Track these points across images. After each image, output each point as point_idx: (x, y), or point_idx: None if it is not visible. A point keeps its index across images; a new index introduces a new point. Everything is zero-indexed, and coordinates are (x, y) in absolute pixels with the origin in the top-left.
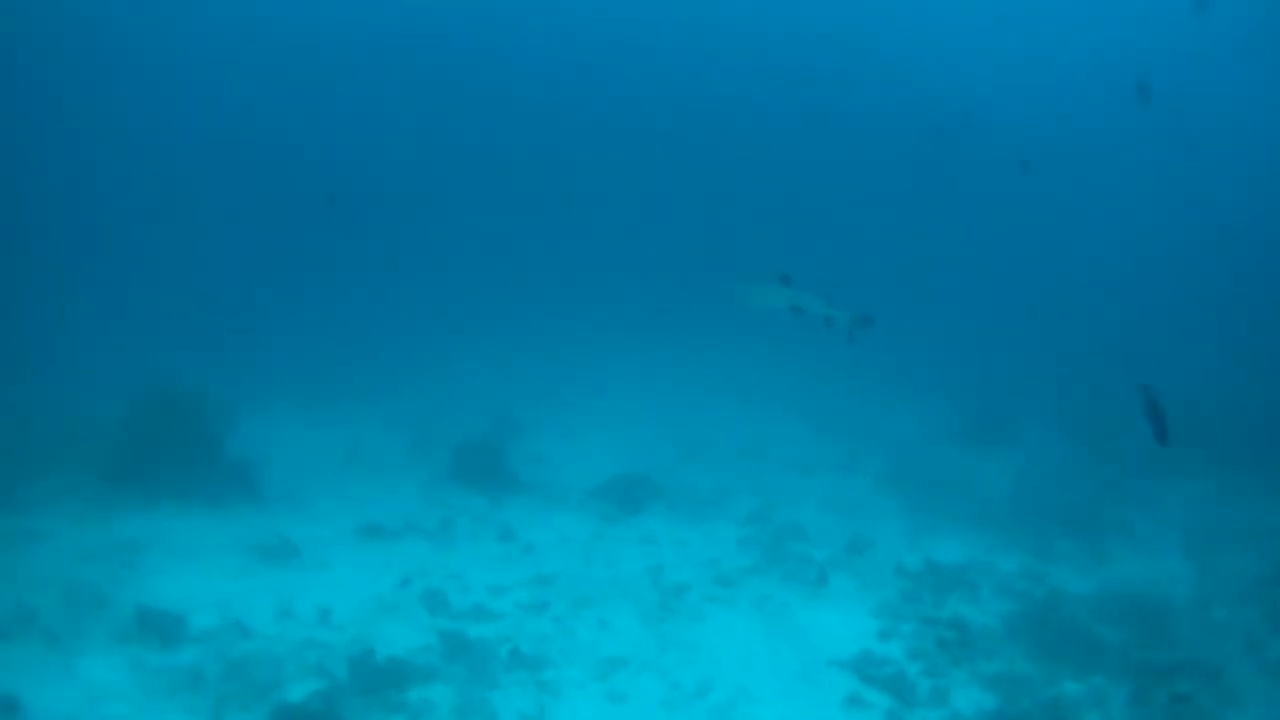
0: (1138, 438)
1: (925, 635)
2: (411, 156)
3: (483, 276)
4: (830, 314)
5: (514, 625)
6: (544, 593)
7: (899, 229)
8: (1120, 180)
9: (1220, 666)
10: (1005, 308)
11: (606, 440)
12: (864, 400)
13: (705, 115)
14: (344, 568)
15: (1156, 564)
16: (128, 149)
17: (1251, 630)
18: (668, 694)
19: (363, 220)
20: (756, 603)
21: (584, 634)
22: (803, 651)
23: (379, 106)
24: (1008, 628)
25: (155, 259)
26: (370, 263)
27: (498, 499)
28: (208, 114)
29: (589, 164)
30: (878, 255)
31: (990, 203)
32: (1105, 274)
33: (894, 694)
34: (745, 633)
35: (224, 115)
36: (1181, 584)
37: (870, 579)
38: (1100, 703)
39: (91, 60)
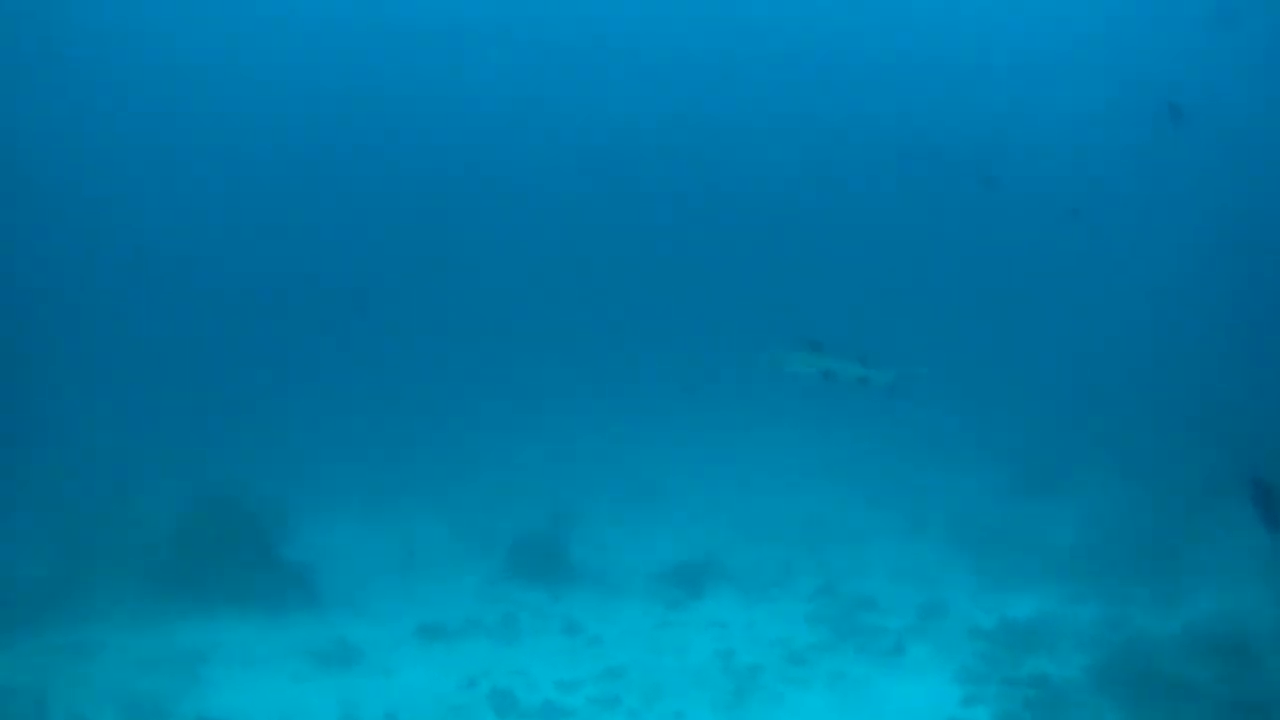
0: (1198, 470)
1: (1011, 697)
2: (451, 250)
3: (529, 367)
4: (865, 374)
5: None
6: (615, 686)
7: (939, 282)
8: (1159, 213)
9: None
10: (1049, 353)
11: (665, 523)
12: (918, 462)
13: (737, 177)
14: (407, 670)
15: (1236, 597)
16: (175, 252)
17: None
18: None
19: (406, 318)
20: (833, 680)
21: None
22: None
23: (418, 201)
24: (1093, 679)
25: (205, 363)
26: (417, 359)
27: (559, 591)
28: (257, 213)
29: (621, 240)
30: (919, 309)
31: (1031, 249)
32: (1148, 308)
33: None
34: (824, 712)
35: (272, 213)
36: (1265, 615)
37: (946, 644)
38: None
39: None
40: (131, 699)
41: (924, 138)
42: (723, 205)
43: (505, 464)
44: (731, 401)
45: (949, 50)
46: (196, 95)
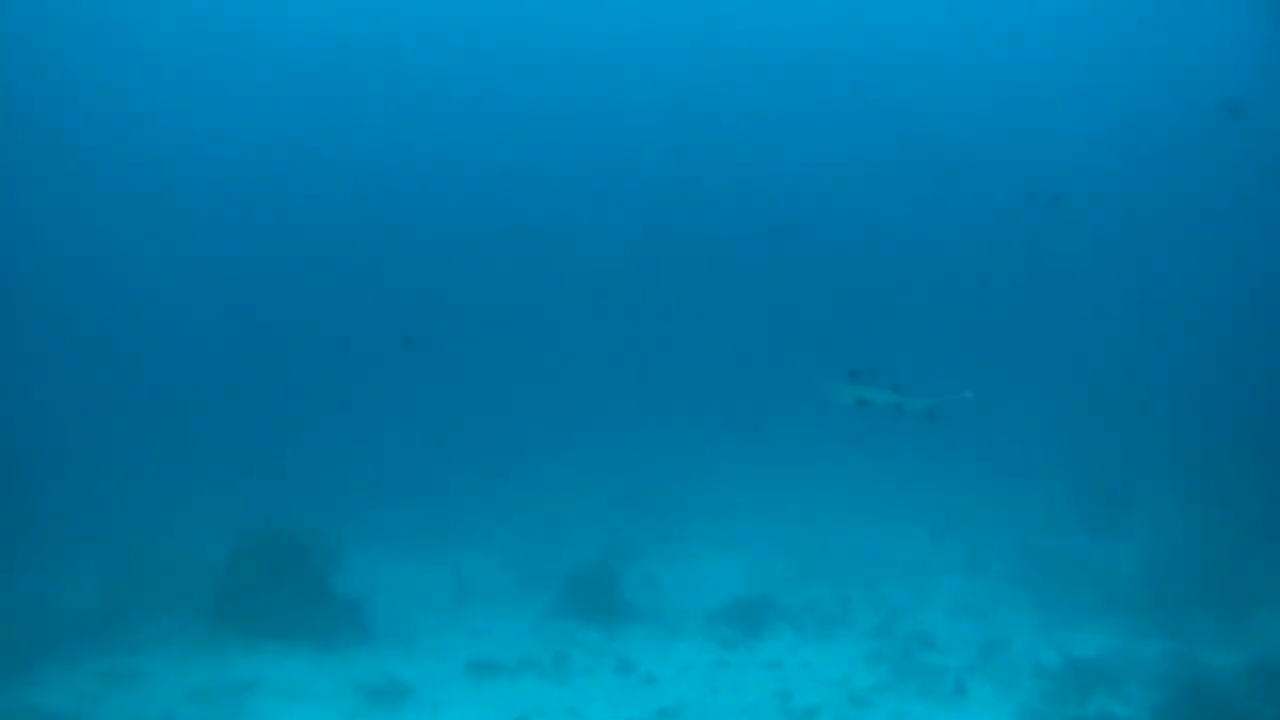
0: (1264, 498)
1: None
2: (507, 283)
3: (586, 400)
4: (899, 402)
5: None
6: None
7: (1000, 310)
8: (1223, 229)
9: None
10: (1110, 382)
11: (720, 560)
12: (977, 495)
13: (796, 207)
14: (458, 708)
15: None
16: (233, 282)
17: None
18: None
19: (462, 352)
20: None
21: None
22: None
23: (474, 233)
24: (1160, 718)
25: (260, 395)
26: (472, 393)
27: (613, 629)
28: (316, 244)
29: (681, 272)
30: (979, 338)
31: (1095, 274)
32: (1214, 331)
33: None
34: None
35: (330, 244)
36: None
37: (1009, 682)
38: None
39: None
40: None
41: (975, 154)
42: (778, 235)
43: (560, 499)
44: (789, 436)
45: (1012, 72)
46: (246, 122)
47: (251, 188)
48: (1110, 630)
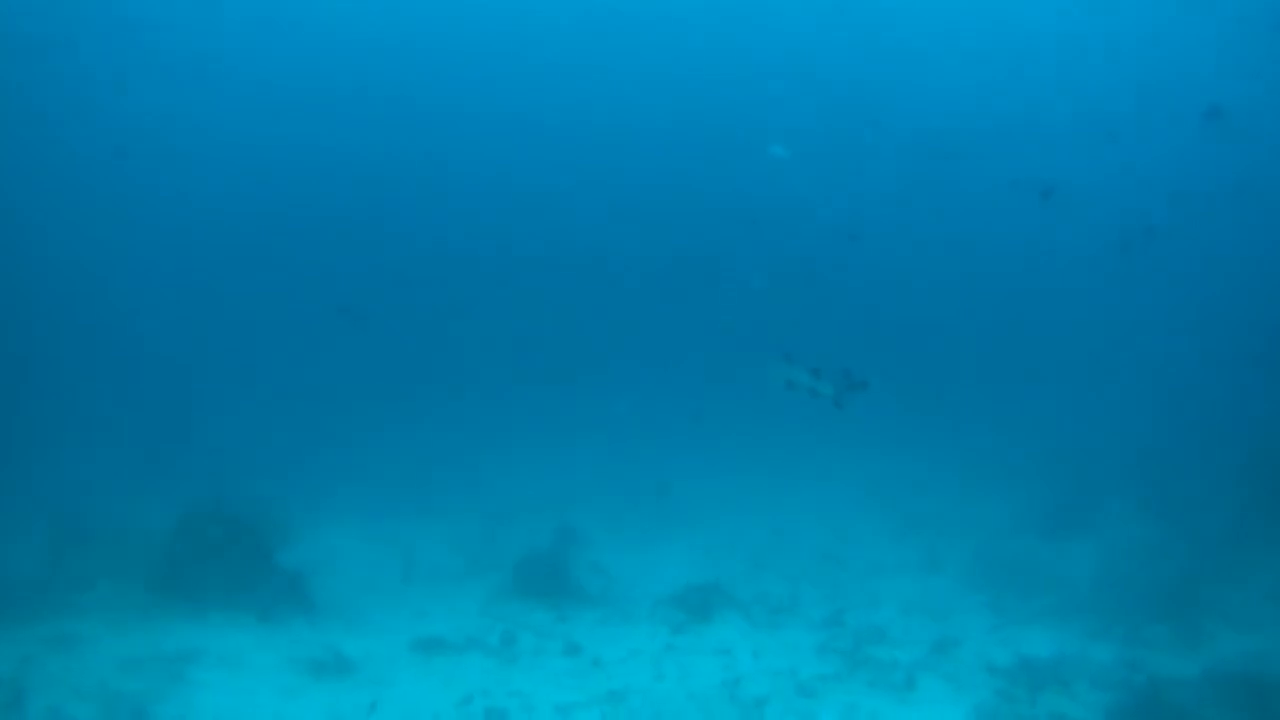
0: (1222, 508)
1: None
2: (459, 263)
3: (540, 383)
4: (814, 386)
5: None
6: (615, 711)
7: (964, 307)
8: (1195, 240)
9: None
10: (1073, 384)
11: (673, 546)
12: (937, 492)
13: (757, 192)
14: (401, 685)
15: (1259, 640)
16: (183, 258)
17: None
18: None
19: (416, 330)
20: (843, 713)
21: None
22: None
23: (428, 215)
24: None
25: (213, 368)
26: (424, 372)
27: (562, 612)
28: (266, 219)
29: (635, 255)
30: (943, 336)
31: (1065, 275)
32: (1180, 338)
33: None
34: None
35: (281, 220)
36: None
37: (960, 680)
38: None
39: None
40: (112, 696)
41: (947, 142)
42: (740, 220)
43: (512, 480)
44: (746, 424)
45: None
46: (214, 105)
47: (213, 166)
48: (1064, 633)
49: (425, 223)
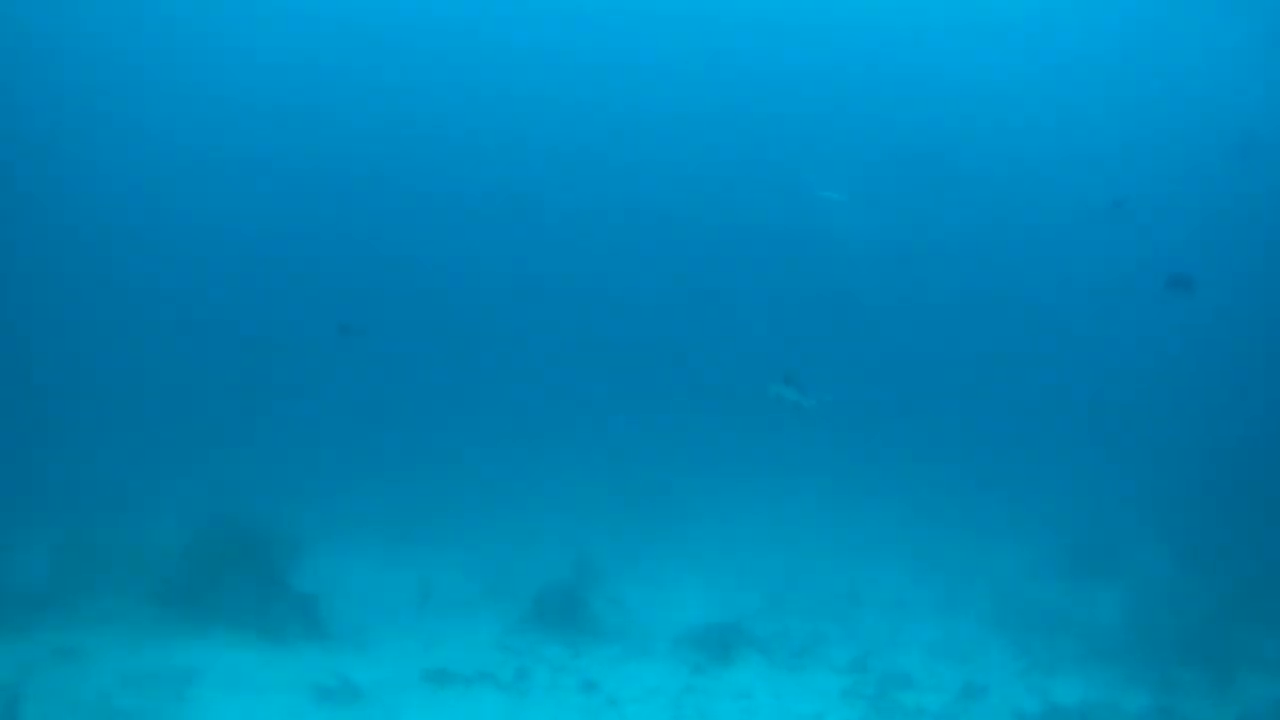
0: (1253, 551)
1: None
2: (483, 286)
3: (564, 411)
4: (797, 399)
5: None
6: None
7: (989, 344)
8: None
9: None
10: (1103, 425)
11: (694, 583)
12: (962, 535)
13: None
14: (410, 715)
15: None
16: (199, 271)
17: None
18: None
19: (437, 352)
20: None
21: None
22: None
23: (450, 233)
24: None
25: (230, 384)
26: (446, 395)
27: (579, 647)
28: (284, 234)
29: (663, 283)
30: (971, 378)
31: (1093, 311)
32: (1210, 380)
33: None
34: None
35: (299, 236)
36: None
37: None
38: None
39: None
40: (109, 712)
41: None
42: (763, 248)
43: (532, 510)
44: (770, 460)
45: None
46: (216, 110)
47: (222, 176)
48: (1092, 680)
49: (455, 239)
